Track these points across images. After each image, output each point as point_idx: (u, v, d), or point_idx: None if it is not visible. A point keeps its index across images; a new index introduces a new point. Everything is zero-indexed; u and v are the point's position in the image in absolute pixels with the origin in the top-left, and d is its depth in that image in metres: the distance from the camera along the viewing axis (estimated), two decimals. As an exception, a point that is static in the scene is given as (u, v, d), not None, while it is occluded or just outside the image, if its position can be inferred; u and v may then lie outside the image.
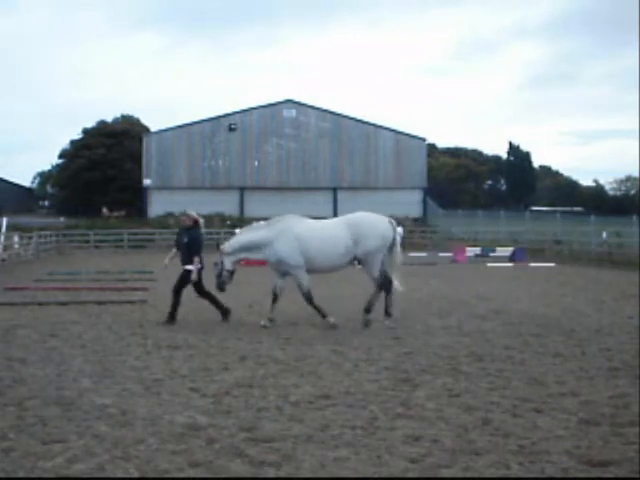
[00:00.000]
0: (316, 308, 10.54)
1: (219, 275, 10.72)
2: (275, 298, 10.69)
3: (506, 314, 11.91)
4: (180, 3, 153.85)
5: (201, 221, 10.99)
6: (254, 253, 10.75)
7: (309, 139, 49.97)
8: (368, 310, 10.63)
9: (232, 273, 10.83)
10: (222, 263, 10.69)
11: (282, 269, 10.68)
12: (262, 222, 11.25)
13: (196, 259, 10.57)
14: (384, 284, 10.67)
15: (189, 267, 10.59)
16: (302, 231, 10.53)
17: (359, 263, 10.88)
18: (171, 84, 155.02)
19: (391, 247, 10.73)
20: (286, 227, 10.60)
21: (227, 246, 10.72)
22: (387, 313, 10.64)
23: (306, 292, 10.59)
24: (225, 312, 10.91)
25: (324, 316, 10.44)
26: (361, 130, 50.66)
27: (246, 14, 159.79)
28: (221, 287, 10.81)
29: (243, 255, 10.84)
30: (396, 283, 10.79)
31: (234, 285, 14.19)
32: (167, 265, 11.03)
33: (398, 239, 10.87)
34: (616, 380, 7.00)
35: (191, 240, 10.62)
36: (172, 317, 10.63)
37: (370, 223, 10.67)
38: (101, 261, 27.70)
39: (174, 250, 11.12)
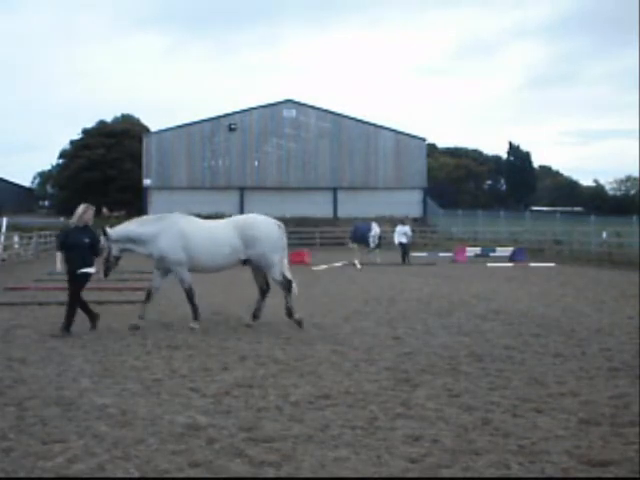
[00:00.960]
0: (194, 307, 10.37)
1: (106, 260, 10.38)
2: (149, 297, 10.55)
3: (506, 314, 11.91)
4: (181, 4, 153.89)
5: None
6: (139, 246, 10.41)
7: (309, 139, 49.97)
8: (290, 314, 10.50)
9: (118, 259, 10.60)
10: (110, 248, 10.33)
11: (165, 266, 10.52)
12: (151, 216, 11.01)
13: (99, 260, 9.98)
14: (288, 285, 10.55)
15: (90, 270, 9.85)
16: (188, 229, 10.41)
17: (245, 263, 10.73)
18: (171, 84, 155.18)
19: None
20: (171, 224, 10.46)
21: (113, 232, 10.36)
22: (255, 316, 10.62)
23: (188, 289, 10.46)
24: (93, 319, 10.17)
25: (196, 318, 10.30)
26: (361, 130, 50.66)
27: (247, 15, 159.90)
28: (106, 273, 10.52)
29: (129, 246, 10.50)
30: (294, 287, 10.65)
31: (235, 285, 14.19)
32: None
33: (285, 243, 10.76)
34: (616, 380, 7.00)
35: (94, 240, 9.87)
36: (94, 321, 10.16)
37: (258, 225, 10.62)
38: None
39: (59, 253, 10.07)
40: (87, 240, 9.77)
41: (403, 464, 4.60)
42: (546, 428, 5.36)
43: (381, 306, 13.05)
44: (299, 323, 10.39)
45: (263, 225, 10.69)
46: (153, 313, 11.76)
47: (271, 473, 4.45)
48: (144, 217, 11.02)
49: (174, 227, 10.39)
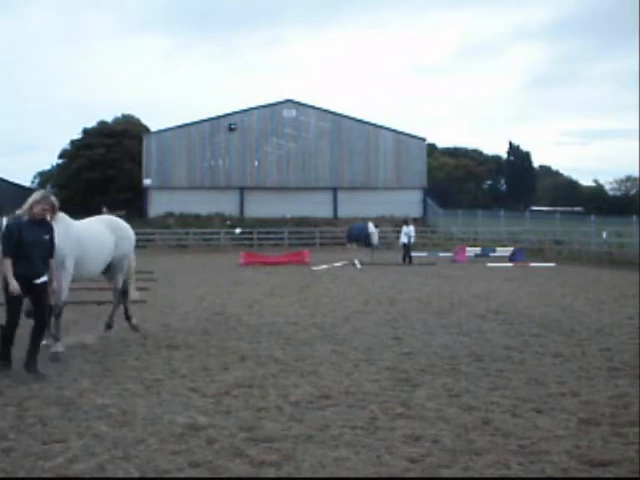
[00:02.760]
0: (58, 324, 8.28)
1: None
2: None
3: (506, 314, 11.91)
4: (183, 6, 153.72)
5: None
6: None
7: (309, 139, 49.95)
8: (128, 317, 9.80)
9: None
10: None
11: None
12: None
13: (53, 263, 7.58)
14: (124, 292, 9.85)
15: (46, 278, 7.41)
16: (79, 231, 8.74)
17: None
18: (172, 84, 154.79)
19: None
20: (64, 227, 8.31)
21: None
22: (108, 325, 9.67)
23: (62, 304, 8.40)
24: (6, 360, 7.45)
25: (59, 338, 8.22)
26: (361, 130, 50.65)
27: (248, 16, 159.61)
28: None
29: None
30: (133, 292, 10.17)
31: (236, 284, 14.18)
32: None
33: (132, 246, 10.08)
34: (616, 380, 7.00)
35: (53, 238, 7.51)
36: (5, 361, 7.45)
37: (123, 226, 9.90)
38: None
39: (8, 260, 7.08)
40: (47, 237, 7.42)
41: (403, 464, 4.60)
42: (546, 428, 5.36)
43: (381, 306, 13.05)
44: (135, 328, 9.74)
45: (125, 226, 9.99)
46: (154, 314, 11.77)
47: (271, 473, 4.45)
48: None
49: (68, 232, 8.41)
